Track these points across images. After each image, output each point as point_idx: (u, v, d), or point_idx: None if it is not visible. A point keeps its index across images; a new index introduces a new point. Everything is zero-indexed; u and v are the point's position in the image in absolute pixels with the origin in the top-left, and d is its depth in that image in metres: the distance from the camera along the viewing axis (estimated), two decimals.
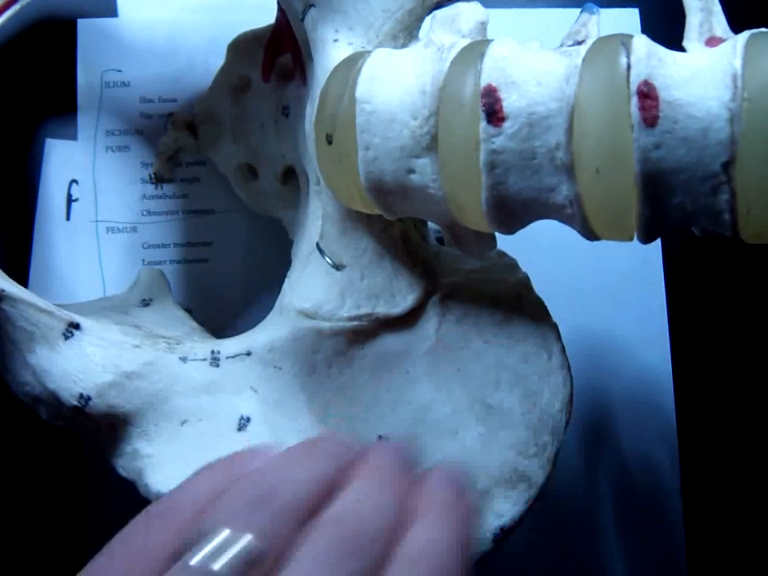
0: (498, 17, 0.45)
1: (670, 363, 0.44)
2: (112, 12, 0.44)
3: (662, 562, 0.43)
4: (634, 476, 0.43)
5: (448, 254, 0.34)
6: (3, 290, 0.31)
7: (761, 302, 0.45)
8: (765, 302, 0.45)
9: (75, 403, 0.31)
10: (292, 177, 0.40)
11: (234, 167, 0.42)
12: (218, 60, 0.41)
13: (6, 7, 0.33)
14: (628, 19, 0.47)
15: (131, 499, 0.32)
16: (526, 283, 0.34)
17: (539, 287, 0.33)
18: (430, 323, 0.32)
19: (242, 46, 0.40)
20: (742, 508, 0.44)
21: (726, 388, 0.45)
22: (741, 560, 0.44)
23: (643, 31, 0.47)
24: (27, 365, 0.31)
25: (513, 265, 0.34)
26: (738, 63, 0.24)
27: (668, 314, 0.45)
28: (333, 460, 0.24)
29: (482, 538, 0.30)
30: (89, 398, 0.31)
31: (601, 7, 0.45)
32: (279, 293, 0.34)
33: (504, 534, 0.30)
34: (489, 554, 0.30)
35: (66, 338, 0.31)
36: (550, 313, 0.33)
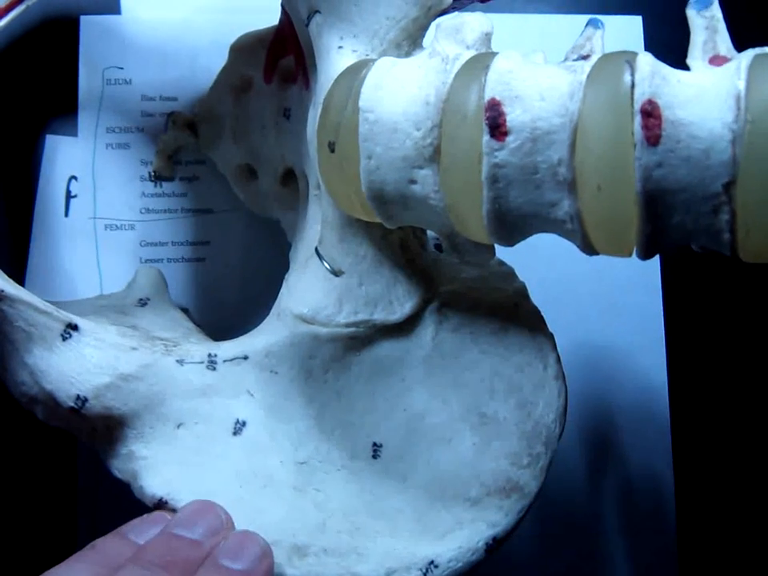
0: (500, 22, 0.45)
1: (666, 372, 0.45)
2: (115, 9, 0.44)
3: (655, 568, 0.44)
4: (629, 484, 0.44)
5: (446, 262, 0.34)
6: (2, 290, 0.30)
7: (757, 312, 0.45)
8: (761, 311, 0.45)
9: (72, 404, 0.31)
10: (291, 179, 0.40)
11: (234, 167, 0.42)
12: (219, 60, 0.41)
13: (12, 6, 0.33)
14: (631, 27, 0.47)
15: (123, 500, 0.32)
16: (522, 292, 0.34)
17: (536, 296, 0.34)
18: (426, 331, 0.32)
19: (245, 47, 0.40)
20: (735, 515, 0.44)
21: (721, 397, 0.45)
22: (733, 567, 0.44)
23: (646, 39, 0.47)
24: (24, 365, 0.31)
25: (510, 274, 0.34)
26: (741, 84, 0.24)
27: (665, 323, 0.45)
28: None
29: (475, 547, 0.30)
30: (85, 400, 0.31)
31: (604, 14, 0.45)
32: (277, 293, 0.34)
33: (496, 544, 0.31)
34: (481, 563, 0.31)
35: (64, 339, 0.31)
36: (547, 322, 0.33)
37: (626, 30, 0.47)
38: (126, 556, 0.27)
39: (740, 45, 0.27)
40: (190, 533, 0.28)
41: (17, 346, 0.31)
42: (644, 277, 0.45)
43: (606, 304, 0.44)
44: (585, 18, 0.45)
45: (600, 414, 0.44)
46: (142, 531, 0.29)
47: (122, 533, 0.29)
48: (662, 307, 0.45)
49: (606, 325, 0.44)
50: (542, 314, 0.33)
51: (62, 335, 0.31)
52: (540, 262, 0.42)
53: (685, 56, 0.27)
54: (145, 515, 0.30)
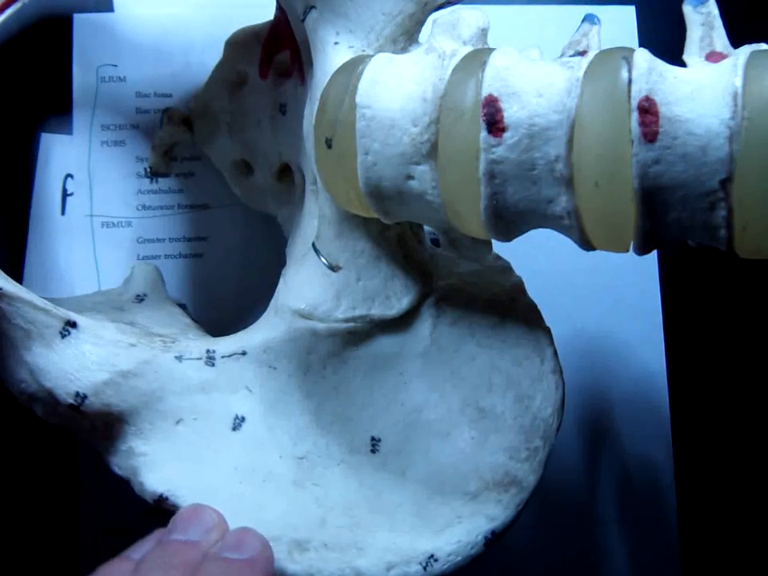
0: (497, 13, 0.45)
1: (665, 362, 0.45)
2: (108, 7, 0.43)
3: (656, 558, 0.44)
4: (628, 474, 0.44)
5: (443, 257, 0.34)
6: (0, 288, 0.31)
7: (754, 303, 0.46)
8: (758, 302, 0.46)
9: (71, 401, 0.31)
10: (287, 174, 0.40)
11: (230, 163, 0.42)
12: (214, 55, 0.41)
13: (7, 5, 0.33)
14: (624, 17, 0.47)
15: (123, 496, 0.32)
16: (519, 287, 0.34)
17: (534, 287, 0.34)
18: (424, 325, 0.33)
19: (240, 42, 0.40)
20: (735, 505, 0.45)
21: (719, 387, 0.45)
22: (734, 555, 0.44)
23: (639, 29, 0.47)
24: (24, 362, 0.31)
25: (507, 268, 0.35)
26: (738, 82, 0.24)
27: (663, 313, 0.45)
28: None
29: (474, 541, 0.31)
30: (85, 397, 0.31)
31: (598, 5, 0.45)
32: (274, 288, 0.34)
33: (495, 538, 0.31)
34: (480, 557, 0.31)
35: (63, 336, 0.31)
36: (545, 313, 0.33)
37: (619, 20, 0.47)
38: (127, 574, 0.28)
39: (736, 41, 0.27)
40: (184, 536, 0.29)
41: (16, 344, 0.31)
42: (641, 267, 0.45)
43: (603, 296, 0.45)
44: (579, 8, 0.45)
45: (598, 406, 0.44)
46: (141, 550, 0.29)
47: (124, 556, 0.29)
48: (659, 297, 0.45)
49: (603, 317, 0.44)
50: (539, 307, 0.33)
51: (60, 332, 0.31)
52: (536, 256, 0.43)
53: (678, 46, 0.27)
54: (145, 536, 0.30)
